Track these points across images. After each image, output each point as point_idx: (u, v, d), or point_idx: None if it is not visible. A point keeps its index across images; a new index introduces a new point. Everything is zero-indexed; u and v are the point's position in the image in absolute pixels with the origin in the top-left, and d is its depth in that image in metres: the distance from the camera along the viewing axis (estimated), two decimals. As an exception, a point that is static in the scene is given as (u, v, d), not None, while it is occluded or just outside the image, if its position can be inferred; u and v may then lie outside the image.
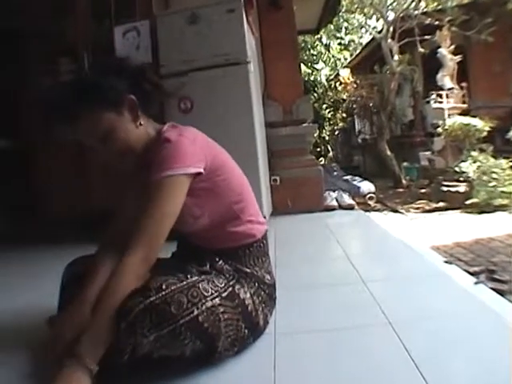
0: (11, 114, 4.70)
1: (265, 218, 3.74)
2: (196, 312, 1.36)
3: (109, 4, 4.40)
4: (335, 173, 7.42)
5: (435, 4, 10.43)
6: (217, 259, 1.63)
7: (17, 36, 4.64)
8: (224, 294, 1.48)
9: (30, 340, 1.83)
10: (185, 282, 1.41)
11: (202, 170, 1.51)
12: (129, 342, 1.30)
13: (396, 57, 9.25)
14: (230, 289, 1.53)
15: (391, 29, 9.45)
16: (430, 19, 9.37)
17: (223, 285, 1.52)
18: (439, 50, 9.09)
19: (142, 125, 1.60)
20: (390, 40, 9.40)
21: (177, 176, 1.45)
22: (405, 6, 9.68)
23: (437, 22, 9.24)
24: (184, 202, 1.49)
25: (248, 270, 1.64)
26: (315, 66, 14.34)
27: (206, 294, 1.42)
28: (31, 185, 4.57)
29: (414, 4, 9.64)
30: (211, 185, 1.58)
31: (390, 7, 10.27)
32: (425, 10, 10.05)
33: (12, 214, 5.06)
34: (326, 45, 15.13)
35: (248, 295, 1.58)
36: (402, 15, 9.52)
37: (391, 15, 10.07)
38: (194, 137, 1.57)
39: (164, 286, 1.34)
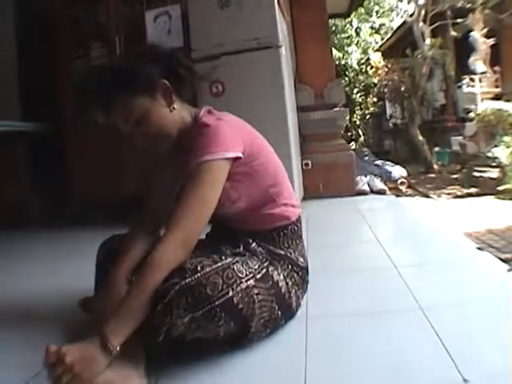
0: (47, 98, 4.76)
1: (297, 201, 3.75)
2: (231, 293, 1.37)
3: (140, -12, 4.41)
4: (366, 157, 7.39)
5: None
6: (250, 241, 1.65)
7: (50, 20, 4.69)
8: (258, 276, 1.50)
9: (65, 319, 1.89)
10: (219, 264, 1.42)
11: (240, 155, 1.53)
12: (164, 322, 1.31)
13: (428, 40, 9.10)
14: (264, 270, 1.55)
15: (423, 12, 9.26)
16: (462, 2, 9.17)
17: (257, 266, 1.54)
18: (471, 33, 8.92)
19: (175, 109, 1.61)
20: (421, 23, 9.22)
21: (216, 160, 1.46)
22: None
23: (469, 5, 9.04)
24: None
25: (282, 252, 1.66)
26: (346, 49, 14.22)
27: (240, 275, 1.44)
28: (66, 167, 4.63)
29: (446, -14, 9.44)
30: (249, 169, 1.59)
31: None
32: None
33: (46, 196, 5.14)
34: (356, 28, 14.99)
35: (281, 277, 1.60)
36: (433, -2, 9.34)
37: (423, -2, 9.88)
38: (232, 123, 1.58)
39: (199, 268, 1.36)
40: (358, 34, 15.02)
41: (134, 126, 1.56)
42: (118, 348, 1.26)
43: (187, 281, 1.32)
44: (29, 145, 5.25)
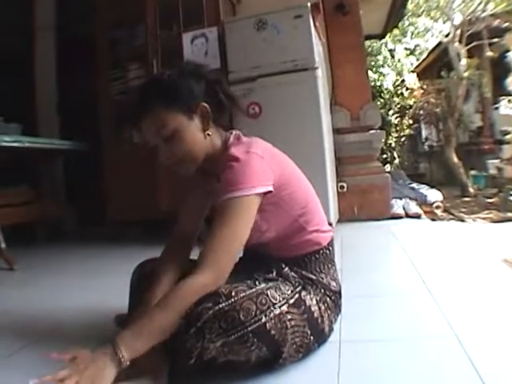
0: (85, 117, 4.86)
1: (331, 224, 3.72)
2: (264, 319, 1.37)
3: (177, 11, 4.47)
4: (401, 180, 7.29)
5: (504, 5, 10.11)
6: (283, 266, 1.64)
7: (90, 42, 4.79)
8: (291, 301, 1.50)
9: (96, 335, 1.91)
10: (254, 290, 1.43)
11: (271, 188, 1.51)
12: (196, 346, 1.32)
13: (463, 61, 9.00)
14: (297, 295, 1.54)
15: (458, 32, 9.18)
16: (498, 21, 9.07)
17: (290, 292, 1.53)
18: (508, 53, 8.81)
19: (210, 135, 1.60)
20: (457, 43, 9.13)
21: (246, 197, 1.45)
22: (472, 7, 9.40)
23: (506, 24, 8.94)
24: None
25: (314, 277, 1.65)
26: (381, 71, 14.16)
27: (274, 301, 1.44)
28: (102, 185, 4.70)
29: (481, 5, 9.35)
30: (277, 199, 1.58)
31: (457, 9, 9.99)
32: (493, 11, 9.73)
33: (82, 213, 5.23)
34: (390, 50, 14.96)
35: (314, 302, 1.58)
36: (469, 17, 9.25)
37: (458, 18, 9.79)
38: (262, 152, 1.55)
39: (233, 293, 1.37)
40: (392, 56, 14.98)
41: (163, 140, 1.56)
42: (129, 362, 1.27)
43: (221, 306, 1.33)
44: (67, 162, 5.36)
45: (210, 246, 1.42)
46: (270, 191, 1.51)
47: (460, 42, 9.05)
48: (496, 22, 9.08)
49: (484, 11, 9.26)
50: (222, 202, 1.46)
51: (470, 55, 9.24)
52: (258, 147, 1.57)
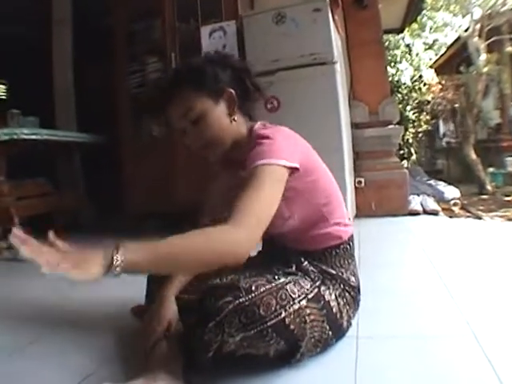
0: (104, 110, 4.87)
1: (349, 220, 3.70)
2: (284, 314, 1.37)
3: (195, 4, 4.46)
4: (419, 176, 7.25)
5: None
6: (302, 260, 1.64)
7: (107, 35, 4.80)
8: (310, 296, 1.50)
9: (114, 325, 1.97)
10: (273, 284, 1.42)
11: (298, 165, 1.49)
12: (216, 340, 1.32)
13: (483, 56, 8.90)
14: (316, 290, 1.54)
15: (478, 26, 9.08)
16: (518, 15, 8.96)
17: (309, 286, 1.53)
18: (527, 48, 8.72)
19: (235, 121, 1.61)
20: (476, 38, 9.03)
21: (274, 165, 1.41)
22: (492, 2, 9.27)
23: (526, 19, 8.84)
24: None
25: (333, 272, 1.64)
26: (399, 66, 14.06)
27: (293, 296, 1.43)
28: (120, 178, 4.72)
29: (501, 0, 9.22)
30: (301, 185, 1.57)
31: (477, 4, 9.87)
32: (513, 5, 9.60)
33: (101, 205, 5.25)
34: (407, 45, 14.81)
35: (333, 297, 1.58)
36: (489, 12, 9.13)
37: (478, 12, 9.67)
38: (288, 135, 1.56)
39: (253, 288, 1.36)
40: (410, 50, 14.85)
41: (190, 124, 1.57)
42: (119, 268, 1.16)
43: (241, 300, 1.32)
44: (86, 155, 5.39)
45: (243, 205, 1.31)
46: (297, 169, 1.48)
47: (479, 36, 8.95)
48: (516, 17, 8.97)
49: (504, 5, 9.14)
50: (253, 169, 1.40)
51: (489, 50, 9.13)
52: (284, 131, 1.58)
